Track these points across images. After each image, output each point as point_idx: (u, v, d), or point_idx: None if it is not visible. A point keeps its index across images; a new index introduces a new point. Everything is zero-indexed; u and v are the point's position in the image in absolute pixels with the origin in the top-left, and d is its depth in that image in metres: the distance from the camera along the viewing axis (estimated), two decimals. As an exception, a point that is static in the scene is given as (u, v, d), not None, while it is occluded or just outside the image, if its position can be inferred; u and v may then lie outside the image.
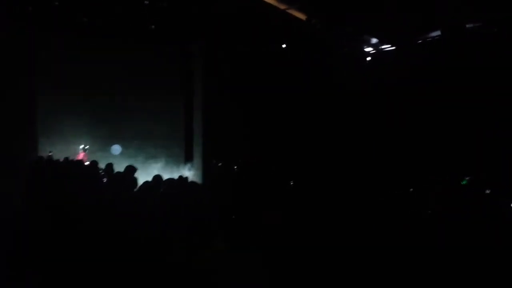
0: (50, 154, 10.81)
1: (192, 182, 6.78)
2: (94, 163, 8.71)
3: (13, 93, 10.37)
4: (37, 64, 11.75)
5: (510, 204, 6.52)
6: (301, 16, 11.87)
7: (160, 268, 3.25)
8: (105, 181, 7.72)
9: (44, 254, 4.49)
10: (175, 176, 9.66)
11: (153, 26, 12.10)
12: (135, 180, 6.37)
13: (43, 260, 4.37)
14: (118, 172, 6.85)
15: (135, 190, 6.15)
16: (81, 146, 12.96)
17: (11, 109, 10.27)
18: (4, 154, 9.61)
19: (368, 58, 13.90)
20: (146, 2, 10.53)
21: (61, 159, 10.53)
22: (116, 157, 13.24)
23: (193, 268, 3.19)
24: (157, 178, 5.69)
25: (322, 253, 3.88)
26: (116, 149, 13.62)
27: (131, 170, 6.64)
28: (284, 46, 13.43)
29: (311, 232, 4.38)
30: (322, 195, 6.93)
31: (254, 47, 13.04)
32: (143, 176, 7.00)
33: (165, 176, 6.68)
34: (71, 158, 10.62)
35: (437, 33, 11.70)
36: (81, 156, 12.62)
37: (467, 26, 10.83)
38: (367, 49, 13.85)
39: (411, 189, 7.89)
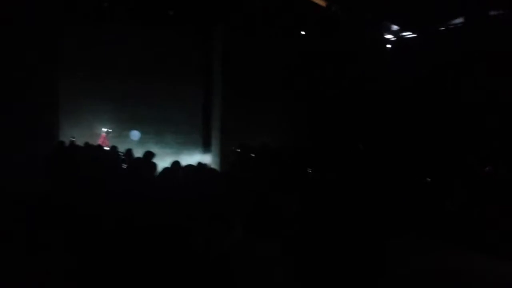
0: (73, 139, 10.93)
1: (211, 169, 6.82)
2: (113, 148, 8.81)
3: (35, 79, 10.49)
4: (58, 49, 11.83)
5: None
6: (321, 2, 11.75)
7: (178, 256, 3.28)
8: (124, 166, 7.82)
9: (66, 237, 4.57)
10: (193, 161, 9.74)
11: (171, 12, 12.09)
12: (154, 166, 6.43)
13: (65, 242, 4.45)
14: (138, 157, 6.93)
15: (154, 175, 6.22)
16: (104, 130, 13.09)
17: (33, 95, 10.39)
18: (26, 139, 9.75)
19: (389, 45, 13.74)
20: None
21: (82, 144, 10.68)
22: (135, 142, 13.40)
23: (211, 257, 3.22)
24: (176, 164, 5.72)
25: (342, 243, 3.88)
26: (135, 134, 13.74)
27: (149, 155, 6.70)
28: (303, 32, 13.33)
29: (331, 221, 4.37)
30: (342, 183, 6.89)
31: (273, 32, 12.96)
32: (161, 162, 7.08)
33: (183, 161, 6.75)
34: (91, 142, 10.74)
35: (460, 20, 11.48)
36: (101, 139, 12.76)
37: (491, 13, 10.62)
38: (388, 36, 13.68)
39: (430, 180, 7.81)
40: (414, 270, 4.57)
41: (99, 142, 12.43)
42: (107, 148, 10.29)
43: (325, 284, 3.54)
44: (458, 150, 10.26)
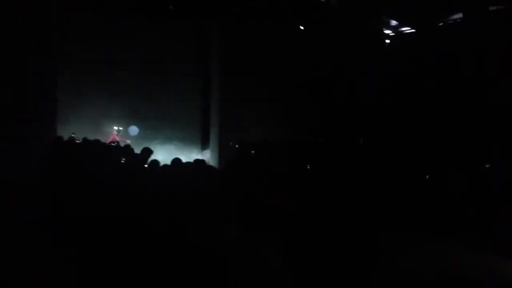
0: (73, 135, 10.90)
1: (209, 166, 6.80)
2: (112, 144, 8.78)
3: (33, 74, 10.46)
4: (57, 44, 11.80)
5: None
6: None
7: (174, 251, 3.29)
8: (123, 161, 7.78)
9: (65, 233, 4.57)
10: (191, 158, 9.72)
11: (171, 6, 12.06)
12: (152, 162, 6.41)
13: (66, 237, 4.44)
14: (136, 154, 6.92)
15: (152, 171, 6.22)
16: (115, 128, 13.15)
17: (31, 90, 10.37)
18: (23, 134, 9.74)
19: (387, 41, 13.71)
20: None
21: (80, 140, 10.65)
22: (134, 138, 13.41)
23: (206, 253, 3.22)
24: (176, 161, 5.71)
25: (338, 240, 3.88)
26: (134, 130, 13.72)
27: (147, 152, 6.69)
28: (301, 27, 13.29)
29: (328, 218, 4.37)
30: (340, 179, 6.88)
31: (272, 27, 12.91)
32: (159, 158, 7.06)
33: (181, 157, 6.74)
34: (104, 140, 10.68)
35: (458, 15, 11.45)
36: (112, 137, 12.85)
37: (490, 8, 10.59)
38: (387, 32, 13.65)
39: (429, 174, 7.80)
40: (409, 265, 4.56)
41: (109, 140, 12.50)
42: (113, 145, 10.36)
43: (321, 278, 3.54)
44: (458, 145, 10.25)
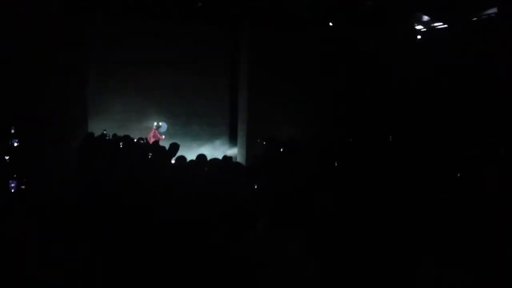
0: (104, 132, 11.14)
1: (237, 163, 6.82)
2: (140, 140, 8.90)
3: (65, 73, 10.69)
4: (88, 45, 12.09)
5: None
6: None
7: (199, 250, 3.28)
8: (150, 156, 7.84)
9: (91, 227, 4.64)
10: (219, 154, 9.77)
11: (200, 4, 12.12)
12: (179, 158, 6.46)
13: (90, 232, 4.51)
14: (164, 150, 6.98)
15: (179, 168, 6.27)
16: (155, 124, 13.45)
17: (63, 88, 10.60)
18: (56, 130, 9.97)
19: (419, 37, 13.44)
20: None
21: (110, 136, 10.86)
22: (163, 134, 13.60)
23: (232, 251, 3.21)
24: (201, 157, 5.74)
25: (371, 240, 3.79)
26: (163, 126, 13.91)
27: (175, 147, 6.75)
28: (331, 24, 13.15)
29: (360, 217, 4.28)
30: (372, 178, 6.74)
31: (301, 26, 12.84)
32: (188, 154, 7.12)
33: (209, 154, 6.77)
34: (119, 134, 10.89)
35: (493, 10, 11.12)
36: (152, 133, 13.23)
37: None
38: (418, 27, 13.38)
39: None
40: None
41: (150, 136, 12.96)
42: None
43: (348, 279, 3.49)
44: (490, 143, 9.96)
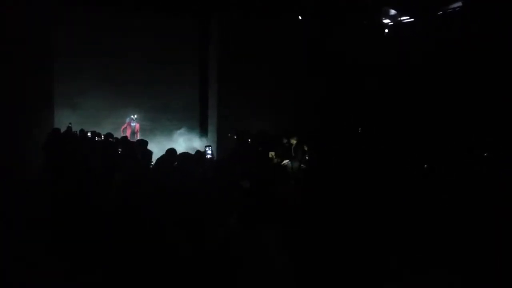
0: (69, 125, 10.94)
1: (207, 157, 6.76)
2: (108, 136, 8.75)
3: (32, 66, 10.41)
4: (55, 36, 11.79)
5: None
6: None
7: (173, 247, 3.25)
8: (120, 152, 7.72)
9: (60, 224, 4.55)
10: (189, 149, 9.70)
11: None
12: (149, 154, 6.37)
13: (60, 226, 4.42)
14: (132, 145, 6.87)
15: (150, 163, 6.18)
16: (131, 116, 13.56)
17: (29, 82, 10.31)
18: (21, 125, 9.72)
19: (386, 30, 13.61)
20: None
21: (77, 131, 10.65)
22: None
23: (206, 247, 3.18)
24: (171, 151, 5.65)
25: (341, 230, 3.81)
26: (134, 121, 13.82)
27: (143, 143, 6.65)
28: (300, 17, 13.20)
29: (329, 208, 4.30)
30: (341, 170, 6.76)
31: (269, 18, 12.83)
32: (157, 149, 7.04)
33: (180, 148, 6.68)
34: (86, 129, 10.70)
35: (458, 4, 11.34)
36: (126, 125, 13.50)
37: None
38: (386, 21, 13.55)
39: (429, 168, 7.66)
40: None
41: (123, 128, 13.32)
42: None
43: (324, 271, 3.50)
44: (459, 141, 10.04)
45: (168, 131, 14.17)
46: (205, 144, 12.19)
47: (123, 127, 13.37)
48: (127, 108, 13.71)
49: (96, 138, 9.60)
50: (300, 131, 10.51)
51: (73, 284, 3.66)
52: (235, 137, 10.56)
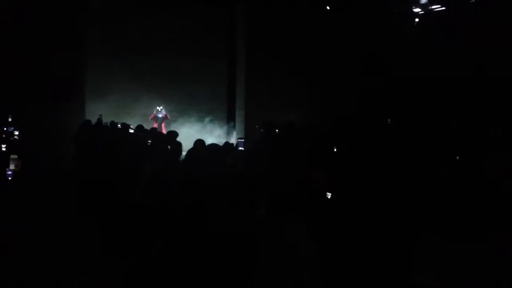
0: (99, 117, 11.12)
1: (236, 147, 6.78)
2: (139, 128, 8.86)
3: (62, 60, 10.61)
4: (86, 31, 12.01)
5: None
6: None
7: (201, 236, 3.26)
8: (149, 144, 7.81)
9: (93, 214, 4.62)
10: (218, 140, 9.74)
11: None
12: (178, 145, 6.43)
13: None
14: (162, 136, 6.93)
15: (180, 155, 6.24)
16: (157, 108, 13.64)
17: (59, 74, 10.52)
18: (53, 116, 9.93)
19: (417, 20, 13.33)
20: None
21: (108, 123, 10.80)
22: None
23: (234, 236, 3.19)
24: (199, 142, 5.69)
25: (371, 223, 3.76)
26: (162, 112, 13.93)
27: (173, 135, 6.71)
28: (328, 7, 13.04)
29: (360, 198, 4.24)
30: (372, 161, 6.64)
31: (298, 8, 12.71)
32: (185, 141, 7.09)
33: (208, 140, 6.71)
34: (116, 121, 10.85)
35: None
36: (153, 116, 13.58)
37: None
38: (416, 10, 13.26)
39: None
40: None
41: (151, 118, 13.44)
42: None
43: (350, 263, 3.47)
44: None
45: (195, 122, 14.23)
46: (238, 137, 12.23)
47: (150, 117, 13.50)
48: (153, 100, 13.82)
49: (127, 130, 9.71)
50: (327, 123, 10.43)
51: (103, 271, 3.72)
52: (262, 130, 10.57)
